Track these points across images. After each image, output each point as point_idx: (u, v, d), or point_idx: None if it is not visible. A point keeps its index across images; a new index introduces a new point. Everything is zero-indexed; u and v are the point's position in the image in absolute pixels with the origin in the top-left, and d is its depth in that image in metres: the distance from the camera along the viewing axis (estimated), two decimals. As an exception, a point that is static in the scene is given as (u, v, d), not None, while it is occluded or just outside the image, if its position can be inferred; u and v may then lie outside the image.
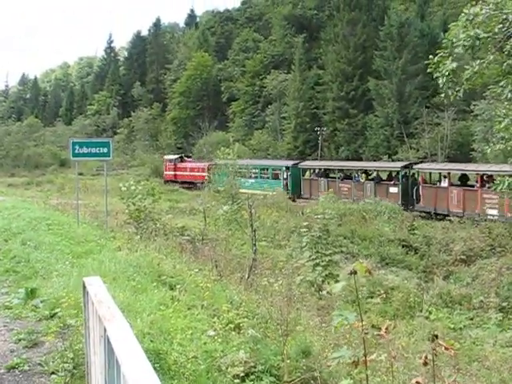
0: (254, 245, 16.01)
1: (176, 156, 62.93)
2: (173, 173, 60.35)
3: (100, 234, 16.53)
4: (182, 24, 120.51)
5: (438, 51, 11.54)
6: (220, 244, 18.12)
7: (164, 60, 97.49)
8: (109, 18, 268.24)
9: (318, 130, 61.44)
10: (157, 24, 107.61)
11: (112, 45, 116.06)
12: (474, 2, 11.10)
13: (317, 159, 57.83)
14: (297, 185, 43.31)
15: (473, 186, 31.38)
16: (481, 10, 10.59)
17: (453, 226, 27.94)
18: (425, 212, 32.95)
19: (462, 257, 23.40)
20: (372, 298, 15.79)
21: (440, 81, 11.38)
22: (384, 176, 38.72)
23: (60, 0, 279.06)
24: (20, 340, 7.08)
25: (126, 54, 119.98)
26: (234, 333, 7.30)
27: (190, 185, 54.70)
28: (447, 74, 11.13)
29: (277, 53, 77.44)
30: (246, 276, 13.39)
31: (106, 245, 14.17)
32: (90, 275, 9.50)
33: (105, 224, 19.06)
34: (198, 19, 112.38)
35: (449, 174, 32.98)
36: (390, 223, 29.38)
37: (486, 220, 27.24)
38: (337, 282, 13.37)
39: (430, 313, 15.27)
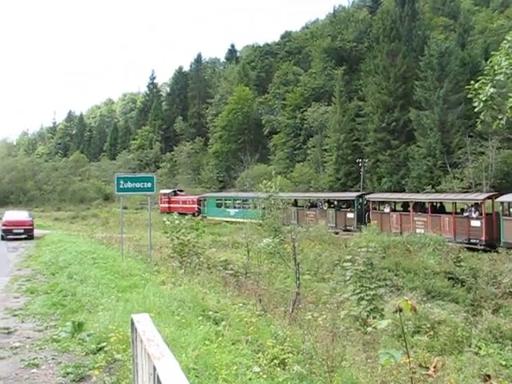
0: (298, 278, 15.87)
1: (170, 190, 69.19)
2: (167, 205, 65.99)
3: (144, 268, 16.67)
4: (222, 59, 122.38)
5: (479, 77, 11.35)
6: (263, 277, 18.05)
7: (205, 95, 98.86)
8: (151, 55, 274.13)
9: (359, 162, 61.18)
10: (198, 59, 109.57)
11: (154, 81, 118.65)
12: (517, 29, 10.92)
13: (359, 191, 57.56)
14: None
15: (409, 211, 37.47)
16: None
17: (500, 258, 27.29)
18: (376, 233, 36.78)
19: (512, 290, 22.75)
20: (418, 332, 15.43)
21: (477, 105, 11.19)
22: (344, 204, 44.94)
23: (103, 38, 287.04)
24: (68, 374, 7.17)
25: (168, 89, 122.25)
26: (279, 369, 7.23)
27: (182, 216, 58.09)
28: (484, 99, 10.95)
29: (317, 85, 77.73)
30: (290, 310, 13.27)
31: (150, 279, 14.27)
32: (134, 310, 9.65)
33: (149, 258, 19.23)
34: (238, 54, 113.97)
35: (395, 203, 41.09)
36: (435, 255, 28.85)
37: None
38: (382, 316, 13.16)
39: (480, 348, 14.75)
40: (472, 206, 33.34)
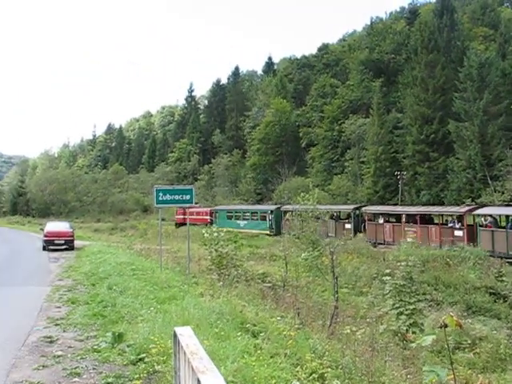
0: (336, 292, 15.76)
1: None
2: (182, 217, 68.62)
3: (183, 280, 16.79)
4: (259, 71, 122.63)
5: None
6: (301, 291, 17.99)
7: (243, 107, 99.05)
8: (189, 68, 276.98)
9: (397, 175, 60.50)
10: (235, 72, 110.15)
11: (192, 94, 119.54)
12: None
13: (397, 204, 56.97)
14: (278, 224, 51.61)
15: (401, 222, 40.68)
16: None
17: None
18: (369, 242, 41.17)
19: (558, 306, 22.14)
20: (459, 348, 15.14)
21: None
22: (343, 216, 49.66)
23: (141, 52, 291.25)
24: (108, 383, 7.26)
25: (206, 102, 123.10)
26: (318, 383, 7.19)
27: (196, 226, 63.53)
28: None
29: (355, 97, 77.34)
30: (328, 324, 13.20)
31: (188, 291, 14.36)
32: (173, 321, 9.73)
33: (187, 270, 19.35)
34: (275, 66, 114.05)
35: (388, 215, 43.93)
36: (476, 270, 28.32)
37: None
38: (421, 331, 12.97)
39: (525, 367, 14.37)
40: (456, 217, 37.43)
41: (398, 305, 13.25)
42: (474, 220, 36.16)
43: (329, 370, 7.73)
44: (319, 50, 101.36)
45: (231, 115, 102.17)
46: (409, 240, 35.41)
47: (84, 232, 51.49)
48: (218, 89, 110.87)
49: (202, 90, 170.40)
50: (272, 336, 9.43)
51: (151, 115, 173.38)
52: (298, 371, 7.57)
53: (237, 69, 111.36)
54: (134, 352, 8.49)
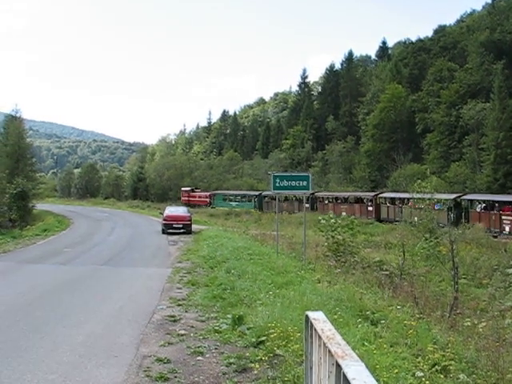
0: (456, 282, 15.26)
1: (189, 188, 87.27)
2: (187, 198, 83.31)
3: (299, 266, 16.90)
4: (373, 56, 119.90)
5: None
6: (417, 280, 17.62)
7: (357, 93, 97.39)
8: (302, 53, 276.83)
9: (521, 162, 57.48)
10: (349, 58, 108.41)
11: (306, 80, 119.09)
12: None
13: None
14: (260, 205, 69.33)
15: (338, 203, 61.20)
16: None
17: None
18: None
19: None
20: None
21: None
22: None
23: (254, 41, 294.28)
24: (230, 364, 7.51)
25: (319, 88, 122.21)
26: (441, 375, 7.02)
27: (197, 207, 74.81)
28: None
29: (474, 81, 73.94)
30: (448, 315, 12.84)
31: (305, 276, 14.45)
32: (292, 306, 9.85)
33: (303, 255, 19.45)
34: (389, 51, 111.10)
35: (333, 197, 63.34)
36: None
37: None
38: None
39: None
40: (369, 199, 55.97)
41: (523, 298, 12.64)
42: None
43: (452, 362, 7.52)
44: (435, 32, 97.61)
45: (345, 101, 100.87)
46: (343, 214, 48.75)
47: (200, 217, 52.68)
48: (331, 75, 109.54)
49: (315, 77, 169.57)
50: (391, 325, 9.33)
51: (265, 102, 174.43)
52: (419, 362, 7.44)
53: (350, 54, 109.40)
54: (254, 335, 8.68)
